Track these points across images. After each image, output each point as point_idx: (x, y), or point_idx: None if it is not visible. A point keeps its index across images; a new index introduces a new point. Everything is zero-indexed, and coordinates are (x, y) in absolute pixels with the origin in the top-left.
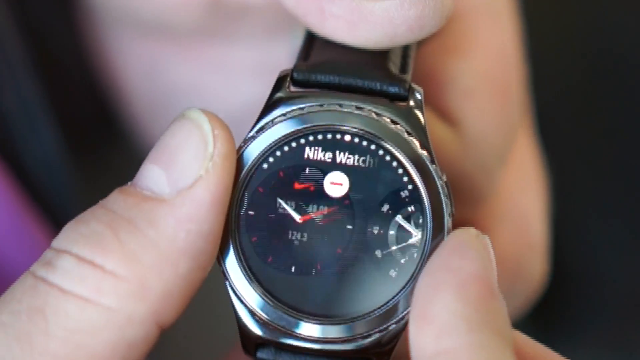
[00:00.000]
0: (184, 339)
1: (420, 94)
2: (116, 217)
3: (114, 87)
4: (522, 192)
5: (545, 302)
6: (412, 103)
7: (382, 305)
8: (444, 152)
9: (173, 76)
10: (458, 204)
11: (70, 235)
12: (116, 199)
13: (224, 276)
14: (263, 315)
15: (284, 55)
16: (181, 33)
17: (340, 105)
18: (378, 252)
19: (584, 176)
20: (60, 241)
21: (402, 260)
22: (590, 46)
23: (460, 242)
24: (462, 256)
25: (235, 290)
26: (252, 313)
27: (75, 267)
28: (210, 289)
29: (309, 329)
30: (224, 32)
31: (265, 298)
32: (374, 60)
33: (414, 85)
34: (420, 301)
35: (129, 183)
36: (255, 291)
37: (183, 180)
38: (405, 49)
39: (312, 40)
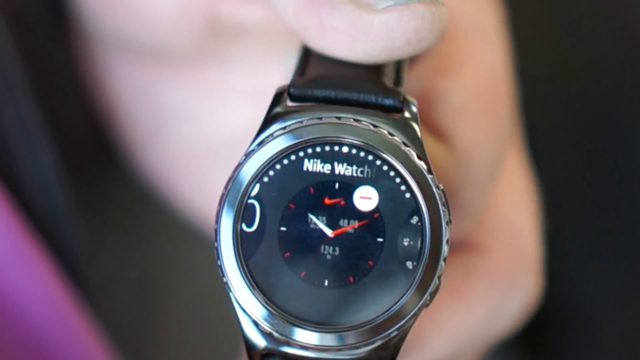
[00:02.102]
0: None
1: (415, 106)
2: None
3: (109, 111)
4: (514, 207)
5: (535, 339)
6: (407, 115)
7: (385, 312)
8: (436, 168)
9: (167, 100)
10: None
11: None
12: None
13: (227, 288)
14: (265, 324)
15: (277, 79)
16: (176, 56)
17: (338, 117)
18: (379, 262)
19: (574, 196)
20: None
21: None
22: (580, 67)
23: None
24: None
25: (239, 300)
26: (256, 323)
27: None
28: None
29: (306, 336)
30: (218, 55)
31: (267, 307)
32: (368, 74)
33: (409, 97)
34: None
35: None
36: (258, 300)
37: None
38: (398, 64)
39: (307, 57)
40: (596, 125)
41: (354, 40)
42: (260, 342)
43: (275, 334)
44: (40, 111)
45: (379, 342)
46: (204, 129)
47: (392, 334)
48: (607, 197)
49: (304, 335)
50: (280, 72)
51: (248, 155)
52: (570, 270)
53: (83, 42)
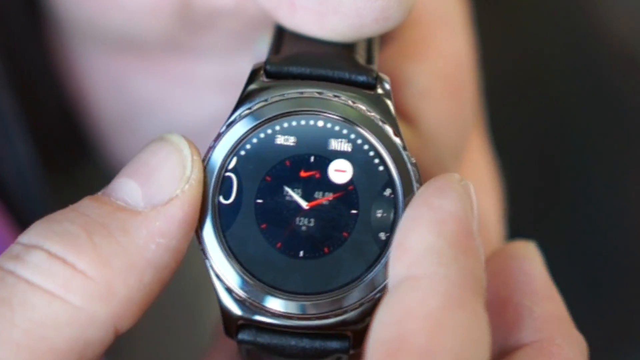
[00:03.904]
0: (167, 334)
1: (388, 83)
2: (90, 221)
3: (82, 102)
4: (476, 192)
5: None
6: (380, 91)
7: (356, 282)
8: None
9: (139, 91)
10: None
11: (42, 232)
12: (89, 205)
13: (204, 255)
14: (239, 291)
15: (248, 67)
16: (148, 47)
17: (320, 92)
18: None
19: (534, 182)
20: (30, 237)
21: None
22: (536, 67)
23: (443, 183)
24: (443, 196)
25: (214, 268)
26: (229, 290)
27: (46, 262)
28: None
29: (279, 304)
30: (190, 45)
31: (243, 275)
32: (341, 52)
33: (381, 75)
34: (400, 231)
35: (101, 192)
36: (234, 268)
37: (159, 196)
38: (370, 43)
39: (281, 36)
40: (549, 121)
41: (324, 18)
42: (235, 310)
43: (248, 301)
44: (15, 102)
45: (350, 312)
46: (176, 119)
47: (363, 304)
48: (557, 189)
49: (273, 303)
50: (251, 61)
51: (228, 127)
52: None
53: (57, 34)
